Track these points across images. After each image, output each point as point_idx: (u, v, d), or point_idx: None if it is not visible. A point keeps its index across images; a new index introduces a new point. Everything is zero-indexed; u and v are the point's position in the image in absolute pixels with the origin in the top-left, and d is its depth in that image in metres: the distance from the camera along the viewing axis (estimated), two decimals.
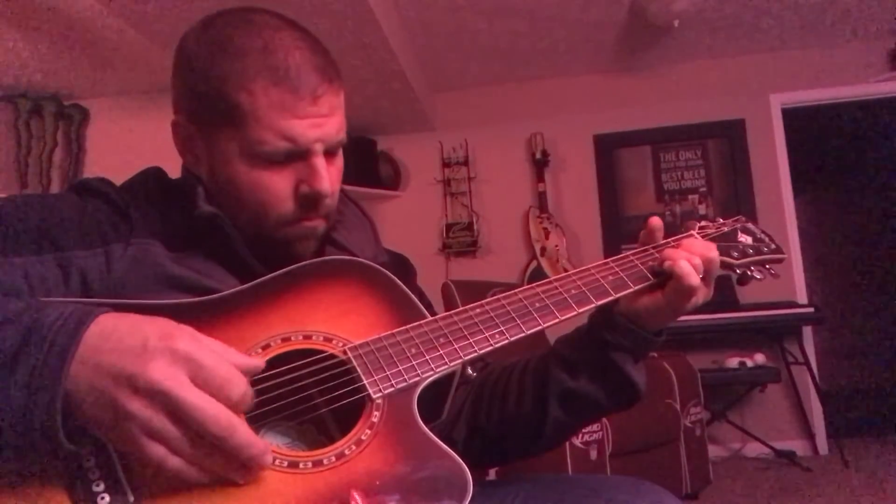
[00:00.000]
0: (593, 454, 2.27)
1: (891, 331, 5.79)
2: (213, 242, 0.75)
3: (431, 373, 0.69)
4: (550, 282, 0.80)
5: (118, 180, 0.80)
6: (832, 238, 6.13)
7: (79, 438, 0.54)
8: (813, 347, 3.72)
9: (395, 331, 0.71)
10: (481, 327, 0.73)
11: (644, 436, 2.47)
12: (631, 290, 0.80)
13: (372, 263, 0.78)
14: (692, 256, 0.79)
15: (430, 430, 0.65)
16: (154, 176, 0.82)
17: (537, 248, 3.90)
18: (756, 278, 0.90)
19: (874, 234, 6.02)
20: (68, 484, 0.54)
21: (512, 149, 4.13)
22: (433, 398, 0.73)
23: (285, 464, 0.60)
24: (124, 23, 2.78)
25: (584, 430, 2.26)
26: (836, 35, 3.80)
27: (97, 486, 0.54)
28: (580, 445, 2.27)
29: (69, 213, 0.71)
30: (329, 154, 0.77)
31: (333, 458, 0.61)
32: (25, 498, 0.53)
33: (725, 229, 0.93)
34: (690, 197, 3.98)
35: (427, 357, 0.69)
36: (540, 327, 0.75)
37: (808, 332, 3.70)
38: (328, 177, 0.76)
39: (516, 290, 0.78)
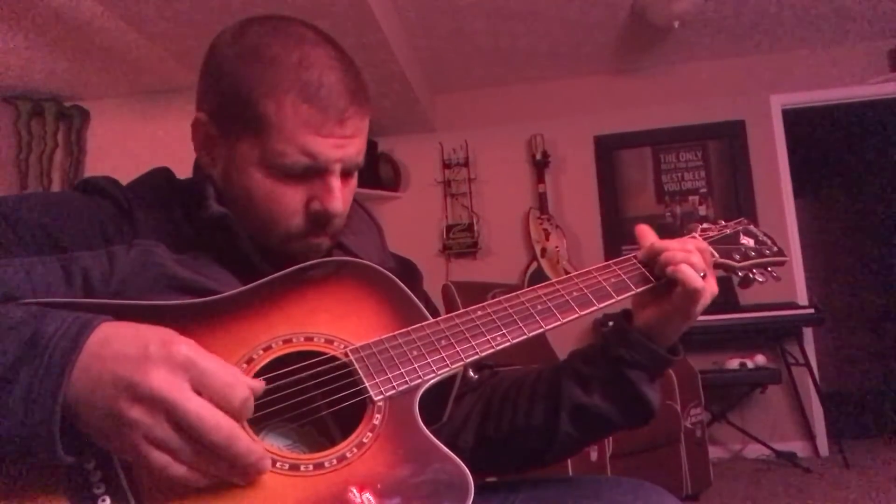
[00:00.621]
0: (594, 455, 2.27)
1: (891, 332, 5.78)
2: (219, 243, 0.75)
3: (433, 375, 0.68)
4: (552, 284, 0.80)
5: (120, 180, 0.80)
6: (833, 239, 6.13)
7: (79, 449, 0.54)
8: (813, 348, 3.72)
9: (396, 332, 0.71)
10: (483, 329, 0.73)
11: (645, 437, 2.47)
12: (633, 292, 0.80)
13: (373, 265, 0.78)
14: (690, 256, 0.79)
15: (433, 433, 0.65)
16: (162, 176, 0.82)
17: (538, 249, 3.90)
18: (758, 281, 0.90)
19: (875, 234, 6.02)
20: (70, 488, 0.54)
21: (512, 150, 4.13)
22: (435, 401, 0.73)
23: (286, 466, 0.59)
24: (125, 24, 2.78)
25: None
26: (836, 35, 3.80)
27: (98, 489, 0.54)
28: None
29: (73, 212, 0.70)
30: (345, 175, 0.78)
31: (335, 461, 0.61)
32: (26, 499, 0.53)
33: (727, 231, 0.93)
34: (691, 198, 3.98)
35: (429, 359, 0.69)
36: (542, 329, 0.75)
37: (808, 333, 3.70)
38: (341, 197, 0.76)
39: (518, 293, 0.78)
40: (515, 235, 4.05)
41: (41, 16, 2.96)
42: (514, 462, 0.88)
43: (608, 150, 4.07)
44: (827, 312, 3.86)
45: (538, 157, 4.02)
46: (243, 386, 0.56)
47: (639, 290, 0.80)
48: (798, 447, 3.64)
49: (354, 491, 0.58)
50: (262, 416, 0.63)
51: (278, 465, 0.59)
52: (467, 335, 0.72)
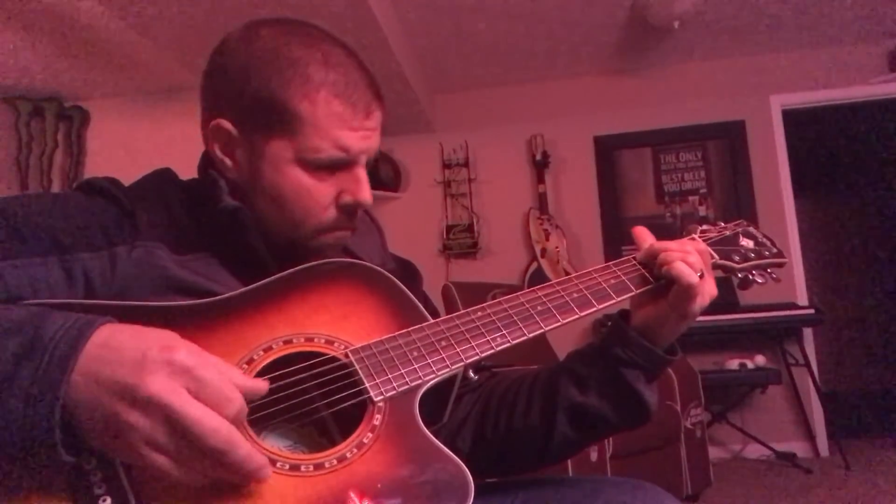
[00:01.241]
0: (593, 455, 2.27)
1: (891, 332, 5.78)
2: (226, 241, 0.76)
3: (433, 375, 0.69)
4: (552, 285, 0.80)
5: (121, 181, 0.80)
6: (832, 239, 6.13)
7: (80, 449, 0.54)
8: (813, 349, 3.72)
9: (396, 333, 0.71)
10: (483, 330, 0.73)
11: (644, 437, 2.47)
12: (633, 293, 0.80)
13: (373, 266, 0.78)
14: (687, 255, 0.79)
15: (432, 433, 0.65)
16: (164, 176, 0.82)
17: (538, 249, 3.90)
18: (757, 282, 0.91)
19: (874, 235, 6.02)
20: (70, 488, 0.54)
21: (512, 150, 4.13)
22: (435, 401, 0.73)
23: (287, 467, 0.60)
24: (125, 25, 2.78)
25: None
26: (836, 36, 3.80)
27: (99, 488, 0.54)
28: None
29: (74, 213, 0.70)
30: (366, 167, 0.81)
31: (335, 461, 0.61)
32: (26, 499, 0.53)
33: (727, 233, 0.93)
34: (691, 198, 3.98)
35: (429, 360, 0.69)
36: (542, 330, 0.75)
37: (808, 333, 3.70)
38: (369, 188, 0.79)
39: (518, 294, 0.78)
40: (515, 235, 4.05)
41: (41, 16, 2.96)
42: (512, 463, 0.88)
43: (608, 150, 4.07)
44: (827, 313, 3.86)
45: (538, 157, 4.02)
46: (238, 400, 0.55)
47: (638, 291, 0.80)
48: (798, 447, 3.64)
49: (353, 495, 0.58)
50: (263, 417, 0.63)
51: (278, 465, 0.59)
52: (467, 336, 0.72)
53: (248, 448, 0.54)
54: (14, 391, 0.51)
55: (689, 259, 0.78)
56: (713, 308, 0.84)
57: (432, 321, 0.73)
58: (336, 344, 0.69)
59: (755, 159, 3.92)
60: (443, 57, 3.75)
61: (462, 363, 0.71)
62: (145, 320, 0.58)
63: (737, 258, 0.90)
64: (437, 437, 0.65)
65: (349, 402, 0.66)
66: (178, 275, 0.70)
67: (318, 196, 0.77)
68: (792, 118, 4.00)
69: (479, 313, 0.75)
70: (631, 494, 0.76)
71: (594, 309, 0.78)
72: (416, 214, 4.13)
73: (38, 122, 3.82)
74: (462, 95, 4.25)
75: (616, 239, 3.95)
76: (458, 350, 0.71)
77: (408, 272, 0.92)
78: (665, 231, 3.81)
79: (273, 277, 0.72)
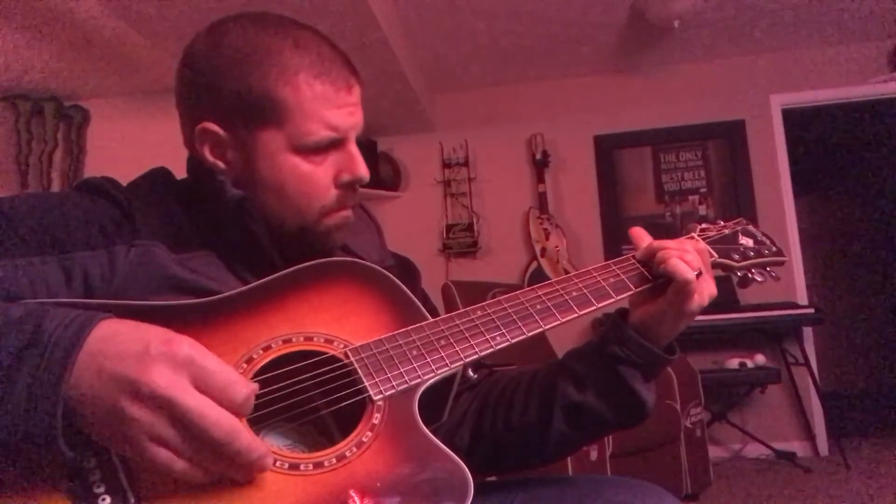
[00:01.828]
0: (593, 454, 2.27)
1: (891, 331, 5.78)
2: (233, 232, 0.76)
3: (432, 374, 0.69)
4: (551, 284, 0.80)
5: (120, 180, 0.80)
6: (832, 239, 6.13)
7: (81, 445, 0.54)
8: (813, 348, 3.72)
9: (395, 332, 0.71)
10: (482, 329, 0.73)
11: (644, 436, 2.47)
12: (632, 292, 0.80)
13: (373, 265, 0.78)
14: (685, 253, 0.79)
15: (431, 432, 0.65)
16: (161, 176, 0.82)
17: (538, 248, 3.90)
18: (757, 281, 0.91)
19: (874, 234, 6.02)
20: (69, 485, 0.54)
21: (512, 149, 4.13)
22: (434, 400, 0.73)
23: (286, 465, 0.60)
24: (125, 24, 2.78)
25: None
26: (836, 35, 3.80)
27: (98, 487, 0.55)
28: None
29: (73, 212, 0.70)
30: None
31: (334, 460, 0.61)
32: (26, 499, 0.53)
33: (726, 231, 0.93)
34: (691, 198, 3.98)
35: (428, 359, 0.69)
36: (541, 329, 0.75)
37: (808, 332, 3.70)
38: (364, 162, 0.80)
39: (517, 293, 0.78)
40: (515, 235, 4.05)
41: (41, 15, 2.96)
42: (510, 461, 0.88)
43: (608, 149, 4.07)
44: (827, 312, 3.86)
45: (538, 156, 4.02)
46: (245, 383, 0.56)
47: (637, 289, 0.80)
48: (798, 447, 3.64)
49: (353, 494, 0.59)
50: (262, 416, 0.63)
51: (278, 464, 0.59)
52: (466, 335, 0.72)
53: (249, 438, 0.55)
54: (16, 387, 0.51)
55: (687, 257, 0.78)
56: (713, 307, 0.84)
57: (432, 320, 0.73)
58: (335, 343, 0.69)
59: (755, 159, 3.92)
60: (443, 57, 3.75)
61: (461, 362, 0.71)
62: (144, 319, 0.58)
63: (736, 257, 0.90)
64: (436, 436, 0.65)
65: (348, 402, 0.66)
66: (177, 274, 0.70)
67: (317, 179, 0.78)
68: (792, 118, 3.99)
69: (479, 312, 0.75)
70: (631, 494, 0.76)
71: (593, 308, 0.78)
72: (416, 214, 4.13)
73: (37, 122, 3.82)
74: (462, 95, 4.24)
75: (616, 238, 3.95)
76: (457, 349, 0.71)
77: (407, 270, 0.92)
78: (665, 231, 3.82)
79: (272, 276, 0.72)
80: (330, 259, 0.78)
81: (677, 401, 2.71)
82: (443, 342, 0.71)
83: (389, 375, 0.67)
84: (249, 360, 0.65)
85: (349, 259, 0.81)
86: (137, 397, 0.52)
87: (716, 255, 0.87)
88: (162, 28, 2.71)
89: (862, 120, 4.87)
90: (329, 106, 0.76)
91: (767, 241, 0.95)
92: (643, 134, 4.02)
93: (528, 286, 0.80)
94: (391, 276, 0.77)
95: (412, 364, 0.69)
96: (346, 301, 0.73)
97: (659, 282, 0.80)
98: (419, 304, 0.75)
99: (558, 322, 0.76)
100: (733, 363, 3.44)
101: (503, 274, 3.84)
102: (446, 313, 0.76)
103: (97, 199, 0.74)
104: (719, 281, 0.81)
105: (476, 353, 0.72)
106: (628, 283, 0.81)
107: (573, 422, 0.82)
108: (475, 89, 4.22)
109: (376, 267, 0.78)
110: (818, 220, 6.11)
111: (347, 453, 0.62)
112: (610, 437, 2.34)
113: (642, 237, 0.85)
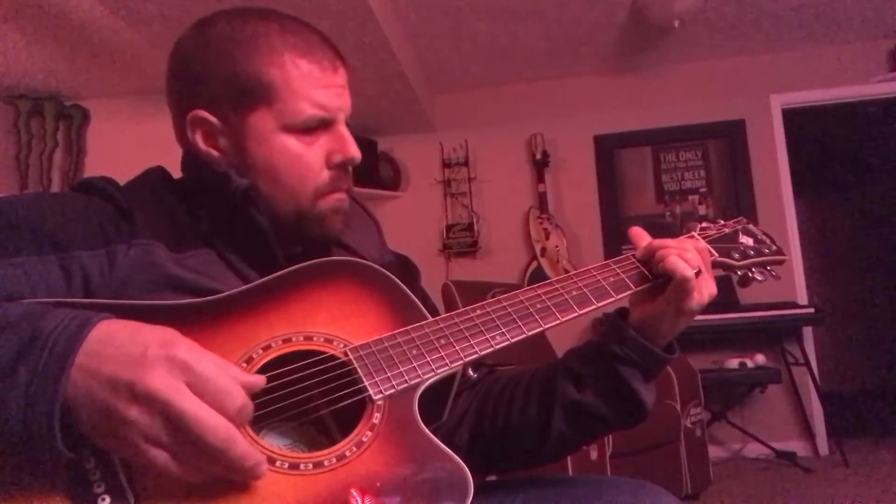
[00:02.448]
0: (594, 454, 2.27)
1: (891, 331, 5.78)
2: (235, 225, 0.76)
3: (432, 374, 0.69)
4: (551, 283, 0.80)
5: (119, 180, 0.80)
6: (832, 238, 6.13)
7: (79, 445, 0.54)
8: (813, 348, 3.72)
9: (395, 332, 0.71)
10: (482, 328, 0.73)
11: (644, 436, 2.47)
12: (632, 291, 0.80)
13: (372, 264, 0.78)
14: (684, 251, 0.79)
15: (432, 432, 0.65)
16: (158, 175, 0.82)
17: (538, 248, 3.90)
18: (757, 280, 0.90)
19: (874, 234, 6.02)
20: (69, 485, 0.54)
21: (512, 149, 4.13)
22: (434, 400, 0.73)
23: (286, 465, 0.60)
24: (124, 23, 2.78)
25: None
26: (836, 35, 3.80)
27: (98, 487, 0.54)
28: None
29: (72, 212, 0.70)
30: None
31: (334, 460, 0.61)
32: (26, 498, 0.53)
33: (726, 230, 0.93)
34: (690, 197, 3.98)
35: (428, 358, 0.69)
36: (541, 328, 0.75)
37: (808, 332, 3.70)
38: (355, 143, 0.80)
39: (517, 292, 0.78)
40: (515, 235, 4.05)
41: (41, 15, 2.95)
42: (509, 460, 0.88)
43: (608, 149, 4.07)
44: (827, 312, 3.86)
45: (538, 156, 4.02)
46: (240, 393, 0.56)
47: (637, 288, 0.80)
48: (798, 446, 3.64)
49: (354, 493, 0.58)
50: (262, 416, 0.63)
51: (277, 463, 0.59)
52: (466, 334, 0.72)
53: (245, 445, 0.54)
54: (13, 388, 0.51)
55: (687, 255, 0.78)
56: (713, 307, 0.84)
57: (431, 319, 0.73)
58: (335, 342, 0.69)
59: (755, 158, 3.92)
60: (443, 57, 3.75)
61: (461, 361, 0.71)
62: (144, 319, 0.58)
63: (736, 255, 0.90)
64: (435, 435, 0.65)
65: (348, 401, 0.66)
66: (176, 273, 0.70)
67: (308, 160, 0.78)
68: (792, 117, 3.99)
69: (479, 311, 0.75)
70: (631, 493, 0.75)
71: (593, 307, 0.78)
72: (416, 214, 4.13)
73: (37, 121, 3.82)
74: (462, 95, 4.24)
75: (616, 238, 3.95)
76: (457, 348, 0.71)
77: (406, 268, 0.92)
78: (665, 230, 3.81)
79: (272, 276, 0.72)
80: (330, 258, 0.78)
81: (677, 401, 2.71)
82: (443, 341, 0.71)
83: (389, 375, 0.67)
84: (249, 360, 0.65)
85: (349, 258, 0.81)
86: (134, 400, 0.52)
87: (716, 254, 0.87)
88: (162, 28, 2.71)
89: (862, 120, 4.87)
90: (316, 85, 0.77)
91: (767, 240, 0.95)
92: (643, 134, 4.02)
93: (528, 286, 0.80)
94: (391, 275, 0.77)
95: (412, 363, 0.68)
96: (346, 300, 0.73)
97: (659, 281, 0.80)
98: (419, 303, 0.75)
99: (558, 321, 0.76)
100: (733, 363, 3.44)
101: (503, 274, 3.83)
102: (446, 313, 0.75)
103: (96, 198, 0.73)
104: (719, 281, 0.80)
105: (476, 352, 0.71)
106: (628, 282, 0.81)
107: (573, 421, 0.82)
108: (475, 89, 4.22)
109: (376, 266, 0.78)
110: (818, 220, 6.10)
111: (347, 453, 0.62)
112: (610, 437, 2.34)
113: (641, 237, 0.85)
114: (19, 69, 3.49)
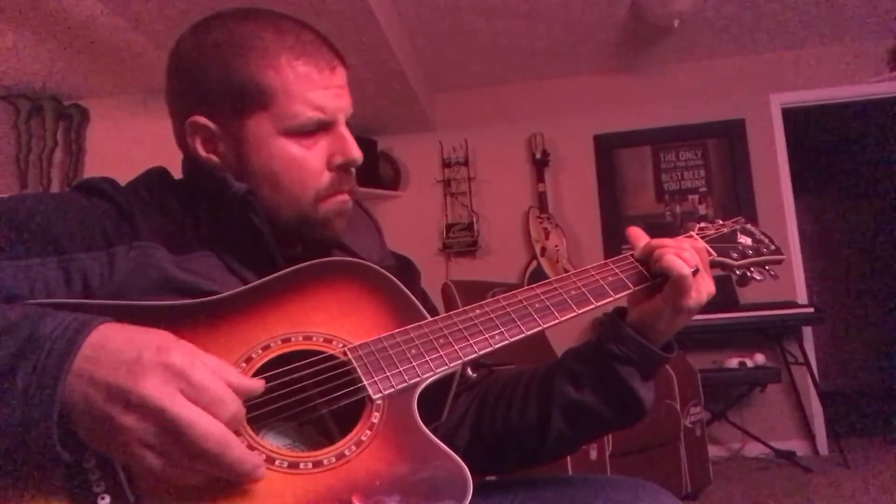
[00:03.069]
0: (593, 454, 2.27)
1: (891, 331, 5.79)
2: (235, 228, 0.75)
3: (431, 373, 0.69)
4: (550, 283, 0.80)
5: (119, 180, 0.80)
6: (832, 238, 6.13)
7: (78, 447, 0.54)
8: (813, 348, 3.72)
9: (394, 332, 0.71)
10: (481, 328, 0.73)
11: (644, 436, 2.47)
12: (630, 290, 0.80)
13: (372, 264, 0.78)
14: (682, 250, 0.79)
15: (431, 431, 0.65)
16: (159, 176, 0.82)
17: (537, 248, 3.90)
18: (756, 279, 0.90)
19: (874, 234, 6.02)
20: (69, 485, 0.54)
21: (512, 149, 4.13)
22: (433, 399, 0.73)
23: (285, 465, 0.60)
24: (124, 23, 2.78)
25: None
26: (836, 35, 3.80)
27: (98, 486, 0.55)
28: None
29: (72, 213, 0.70)
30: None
31: (333, 459, 0.61)
32: (25, 499, 0.53)
33: (725, 230, 0.93)
34: (690, 197, 3.98)
35: (427, 358, 0.69)
36: (539, 328, 0.75)
37: (808, 332, 3.70)
38: (356, 144, 0.79)
39: (516, 291, 0.78)
40: (515, 234, 4.05)
41: (41, 15, 2.95)
42: (509, 460, 0.88)
43: (608, 148, 4.07)
44: (827, 311, 3.86)
45: (538, 156, 4.02)
46: (233, 399, 0.56)
47: (636, 288, 0.80)
48: (797, 446, 3.64)
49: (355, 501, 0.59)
50: (261, 415, 0.63)
51: (277, 463, 0.59)
52: (465, 334, 0.72)
53: (241, 449, 0.55)
54: (11, 391, 0.51)
55: (684, 254, 0.78)
56: (712, 306, 0.84)
57: (431, 319, 0.73)
58: (334, 342, 0.69)
59: (755, 158, 3.92)
60: (442, 56, 3.75)
61: (460, 361, 0.71)
62: (143, 320, 0.58)
63: (735, 255, 0.90)
64: (435, 435, 0.65)
65: (348, 401, 0.66)
66: (177, 275, 0.70)
67: (308, 164, 0.77)
68: (792, 117, 3.99)
69: (478, 311, 0.75)
70: (631, 493, 0.76)
71: (592, 306, 0.78)
72: (416, 213, 4.13)
73: (37, 121, 3.82)
74: (462, 94, 4.24)
75: (616, 238, 3.95)
76: (456, 348, 0.71)
77: (406, 269, 0.92)
78: (665, 230, 3.81)
79: (271, 276, 0.72)
80: (329, 259, 0.78)
81: (677, 400, 2.71)
82: (442, 341, 0.71)
83: (388, 374, 0.67)
84: (248, 360, 0.65)
85: (348, 259, 0.81)
86: (128, 406, 0.52)
87: (714, 254, 0.87)
88: (162, 28, 2.71)
89: (862, 119, 4.87)
90: (313, 87, 0.76)
91: (766, 240, 0.95)
92: (643, 133, 4.02)
93: (528, 285, 0.80)
94: (390, 275, 0.77)
95: (411, 363, 0.68)
96: (345, 300, 0.73)
97: (657, 280, 0.80)
98: (418, 303, 0.75)
99: (557, 321, 0.76)
100: (733, 362, 3.44)
101: (503, 273, 3.83)
102: (446, 312, 0.76)
103: (97, 199, 0.73)
104: (719, 280, 0.80)
105: (475, 352, 0.71)
106: (627, 281, 0.81)
107: (572, 421, 0.82)
108: (475, 88, 4.22)
109: (375, 266, 0.78)
110: (818, 219, 6.11)
111: (346, 452, 0.62)
112: (610, 436, 2.34)
113: (640, 237, 0.85)
114: (19, 69, 3.49)
